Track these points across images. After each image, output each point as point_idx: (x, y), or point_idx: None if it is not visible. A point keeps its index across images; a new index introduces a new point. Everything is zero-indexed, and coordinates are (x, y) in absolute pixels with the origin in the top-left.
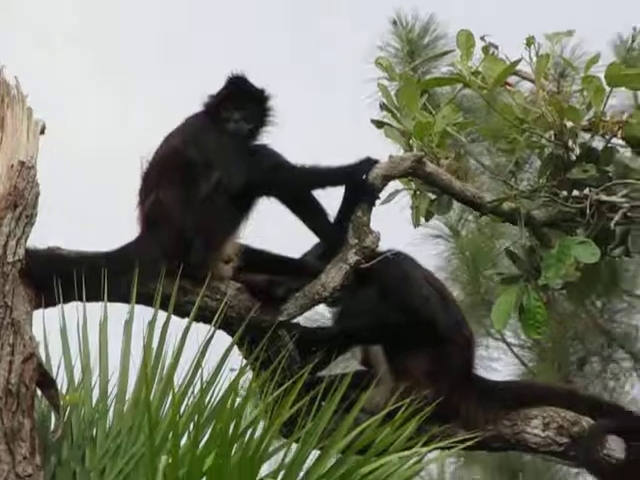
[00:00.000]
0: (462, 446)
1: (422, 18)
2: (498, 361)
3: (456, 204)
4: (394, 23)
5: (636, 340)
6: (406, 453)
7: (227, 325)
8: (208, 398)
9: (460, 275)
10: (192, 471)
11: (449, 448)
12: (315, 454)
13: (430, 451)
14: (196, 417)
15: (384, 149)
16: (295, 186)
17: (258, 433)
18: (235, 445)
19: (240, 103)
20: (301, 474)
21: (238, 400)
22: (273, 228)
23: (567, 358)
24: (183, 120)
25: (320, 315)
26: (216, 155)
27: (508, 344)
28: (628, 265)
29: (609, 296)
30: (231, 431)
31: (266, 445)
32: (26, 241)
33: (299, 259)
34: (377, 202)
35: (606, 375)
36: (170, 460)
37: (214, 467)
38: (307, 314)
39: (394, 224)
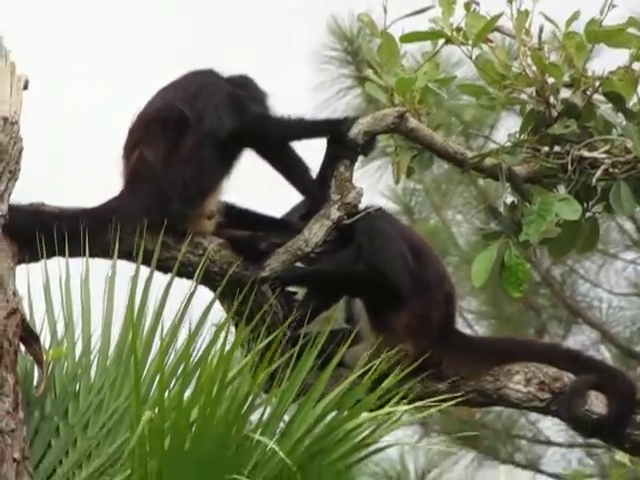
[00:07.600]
0: (449, 404)
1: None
2: None
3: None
4: None
5: (600, 312)
6: (385, 410)
7: (209, 280)
8: (191, 351)
9: None
10: (178, 423)
11: (431, 404)
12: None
13: (414, 408)
14: (181, 368)
15: None
16: (277, 136)
17: (244, 386)
18: (220, 397)
19: None
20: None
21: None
22: (255, 187)
23: (524, 330)
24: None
25: None
26: (202, 104)
27: (464, 317)
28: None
29: (588, 253)
30: (217, 383)
31: (253, 398)
32: (9, 197)
33: (281, 218)
34: (359, 157)
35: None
36: (156, 410)
37: (200, 418)
38: None
39: None
